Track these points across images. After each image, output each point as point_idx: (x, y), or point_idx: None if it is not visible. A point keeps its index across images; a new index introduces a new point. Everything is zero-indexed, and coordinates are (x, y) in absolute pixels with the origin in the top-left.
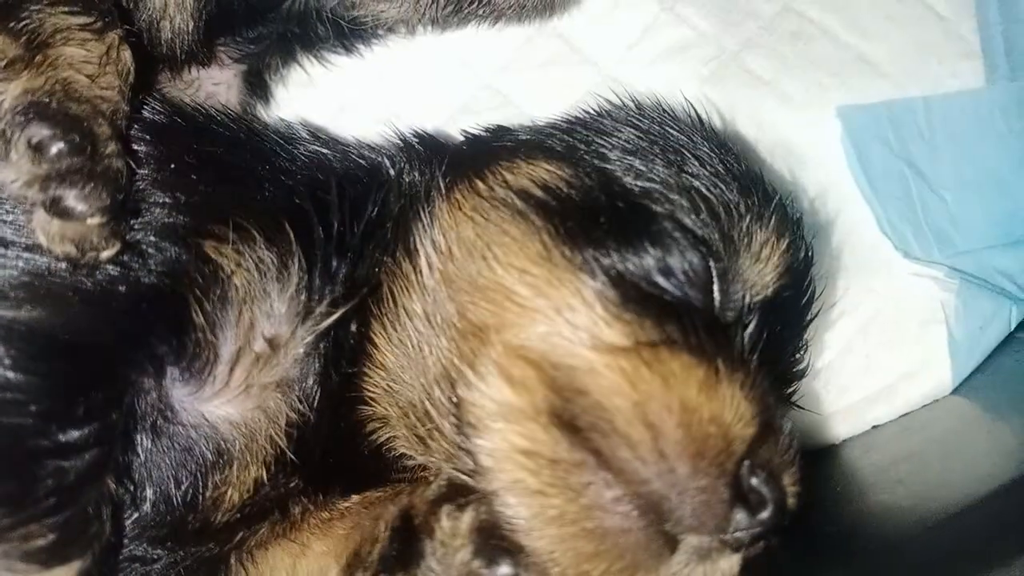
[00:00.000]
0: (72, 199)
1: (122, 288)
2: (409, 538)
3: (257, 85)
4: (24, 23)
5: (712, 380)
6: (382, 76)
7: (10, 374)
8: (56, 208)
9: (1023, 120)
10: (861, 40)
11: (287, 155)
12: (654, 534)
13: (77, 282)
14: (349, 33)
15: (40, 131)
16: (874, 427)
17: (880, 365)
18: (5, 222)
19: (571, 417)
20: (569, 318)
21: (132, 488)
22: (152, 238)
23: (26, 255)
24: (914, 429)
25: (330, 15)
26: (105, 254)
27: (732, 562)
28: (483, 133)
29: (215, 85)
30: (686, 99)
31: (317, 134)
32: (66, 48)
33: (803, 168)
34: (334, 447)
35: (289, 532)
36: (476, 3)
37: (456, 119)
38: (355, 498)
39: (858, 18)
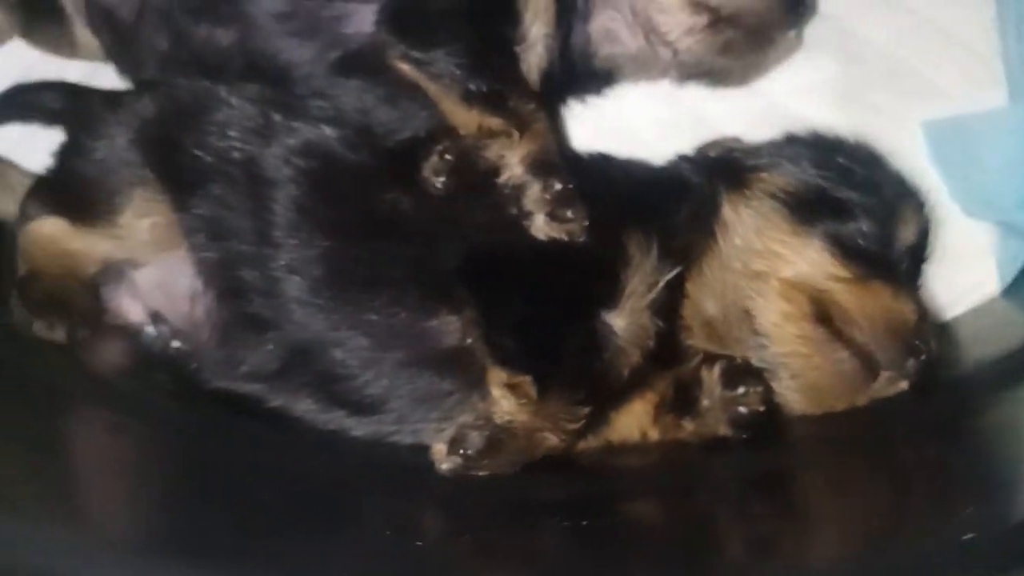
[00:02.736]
0: (567, 214)
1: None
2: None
3: None
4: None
5: (895, 292)
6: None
7: None
8: (556, 217)
9: None
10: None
11: (641, 177)
12: (865, 371)
13: None
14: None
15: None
16: None
17: None
18: None
19: (822, 316)
20: (813, 264)
21: None
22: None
23: None
24: None
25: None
26: (580, 238)
27: (903, 383)
28: (737, 153)
29: None
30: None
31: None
32: (538, 125)
33: None
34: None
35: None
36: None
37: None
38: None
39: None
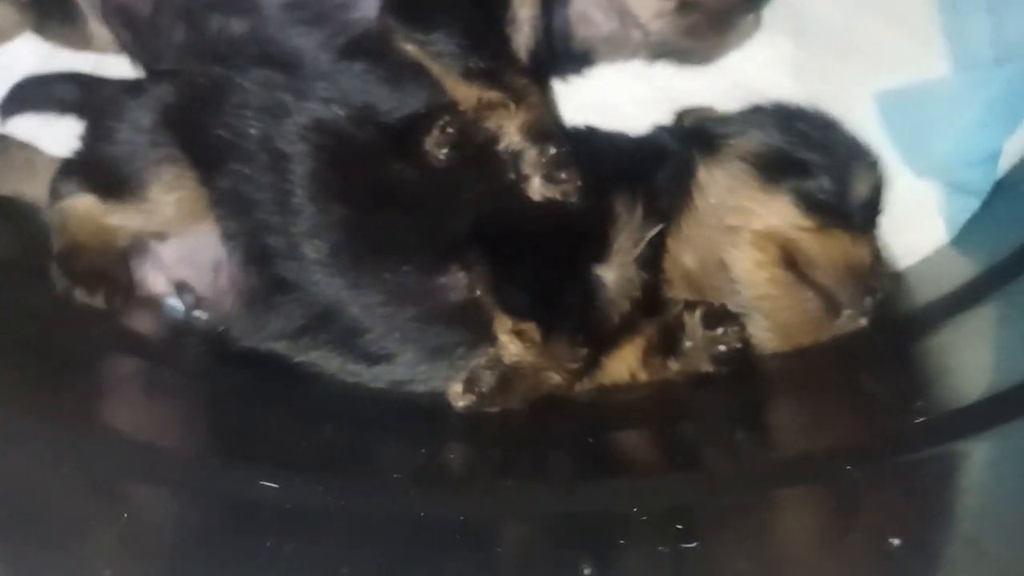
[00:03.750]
0: (562, 176)
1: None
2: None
3: None
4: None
5: (854, 238)
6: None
7: None
8: (551, 179)
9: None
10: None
11: (625, 146)
12: (829, 310)
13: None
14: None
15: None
16: None
17: None
18: None
19: (791, 261)
20: (780, 216)
21: None
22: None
23: None
24: None
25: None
26: (574, 199)
27: (862, 320)
28: (709, 123)
29: None
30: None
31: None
32: (532, 98)
33: None
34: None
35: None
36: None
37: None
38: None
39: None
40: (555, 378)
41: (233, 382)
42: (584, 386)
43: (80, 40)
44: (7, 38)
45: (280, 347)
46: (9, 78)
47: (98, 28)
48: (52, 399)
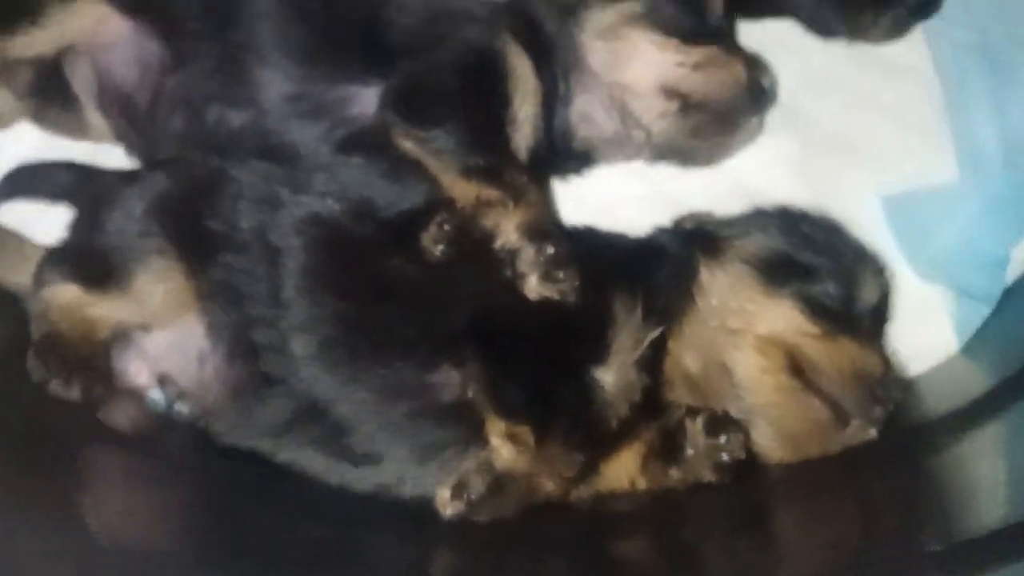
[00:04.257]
0: (560, 275)
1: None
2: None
3: None
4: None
5: (860, 346)
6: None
7: None
8: (549, 278)
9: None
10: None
11: (624, 247)
12: (836, 419)
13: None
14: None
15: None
16: None
17: None
18: None
19: (796, 368)
20: (785, 321)
21: None
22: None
23: None
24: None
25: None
26: (571, 299)
27: (871, 431)
28: (713, 226)
29: None
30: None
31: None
32: (531, 196)
33: None
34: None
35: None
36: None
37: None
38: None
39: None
40: (548, 485)
41: (216, 476)
42: (581, 493)
43: (77, 128)
44: (4, 125)
45: (264, 445)
46: (3, 165)
47: (95, 117)
48: (33, 493)
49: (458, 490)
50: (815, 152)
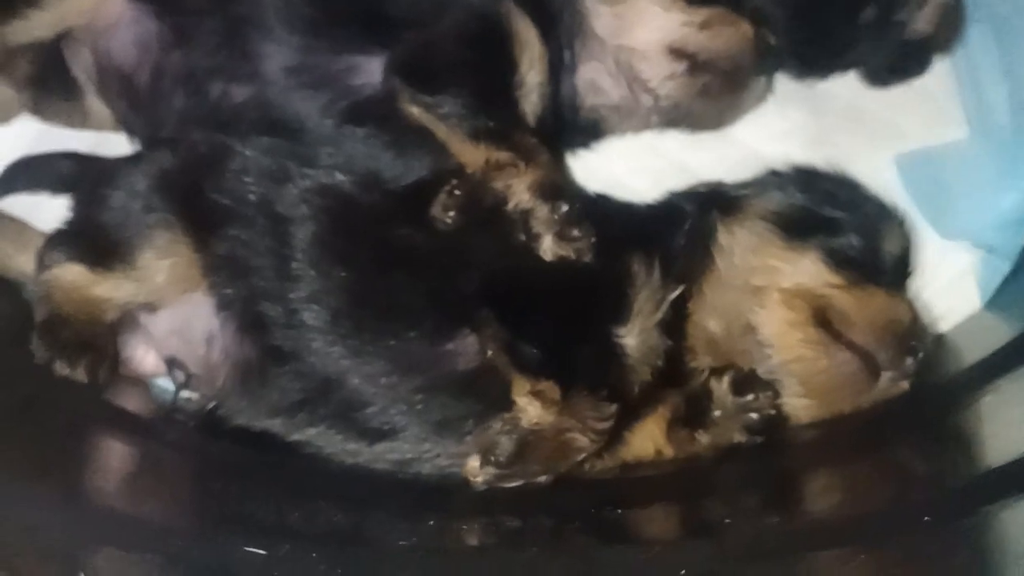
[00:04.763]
0: (575, 233)
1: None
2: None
3: None
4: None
5: (888, 295)
6: None
7: None
8: (564, 236)
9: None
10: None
11: (639, 211)
12: (868, 372)
13: None
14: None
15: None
16: None
17: None
18: None
19: (824, 321)
20: (810, 274)
21: None
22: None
23: None
24: None
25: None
26: (587, 258)
27: (904, 383)
28: (728, 187)
29: None
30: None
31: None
32: (542, 157)
33: None
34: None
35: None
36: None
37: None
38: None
39: None
40: (580, 440)
41: (223, 458)
42: (605, 463)
43: (78, 117)
44: (5, 118)
45: (275, 424)
46: (3, 158)
47: (96, 103)
48: (36, 469)
49: (486, 454)
50: (827, 122)
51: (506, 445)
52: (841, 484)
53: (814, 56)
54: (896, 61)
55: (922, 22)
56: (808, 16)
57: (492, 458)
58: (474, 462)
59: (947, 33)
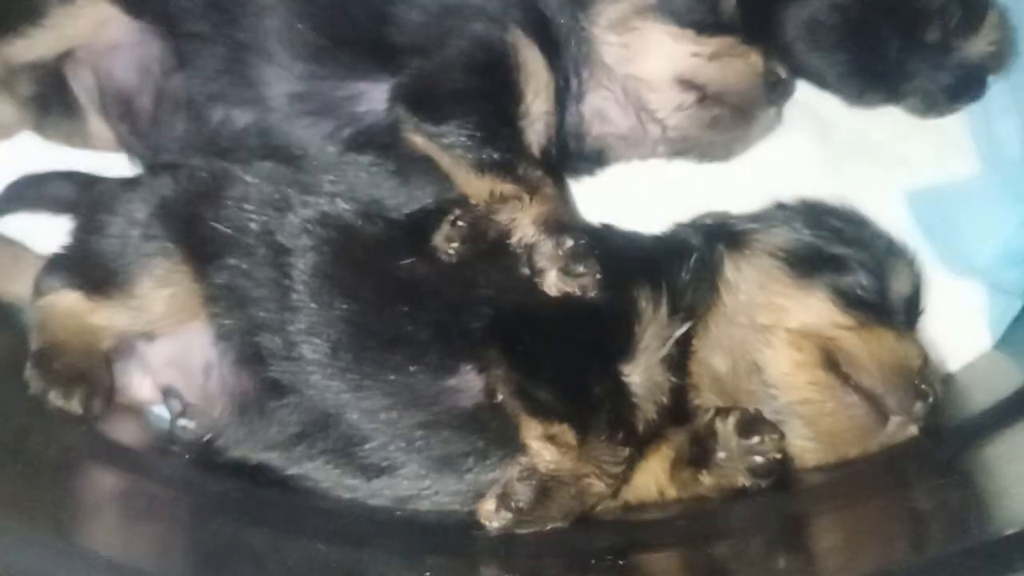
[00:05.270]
0: (580, 268)
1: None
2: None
3: None
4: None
5: (898, 337)
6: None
7: None
8: (569, 272)
9: None
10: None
11: (645, 244)
12: (876, 416)
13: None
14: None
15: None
16: None
17: None
18: None
19: (832, 362)
20: (818, 314)
21: None
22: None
23: None
24: None
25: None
26: (592, 293)
27: (913, 428)
28: (735, 220)
29: None
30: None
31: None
32: (547, 189)
33: None
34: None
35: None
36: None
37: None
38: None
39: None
40: (597, 485)
41: (218, 495)
42: (608, 505)
43: (80, 137)
44: (6, 136)
45: (272, 458)
46: (4, 177)
47: (97, 124)
48: (25, 511)
49: (504, 499)
50: (836, 151)
51: (525, 491)
52: (852, 537)
53: (873, 78)
54: (951, 86)
55: (978, 44)
56: (868, 35)
57: (511, 504)
58: (489, 506)
59: (1000, 55)
